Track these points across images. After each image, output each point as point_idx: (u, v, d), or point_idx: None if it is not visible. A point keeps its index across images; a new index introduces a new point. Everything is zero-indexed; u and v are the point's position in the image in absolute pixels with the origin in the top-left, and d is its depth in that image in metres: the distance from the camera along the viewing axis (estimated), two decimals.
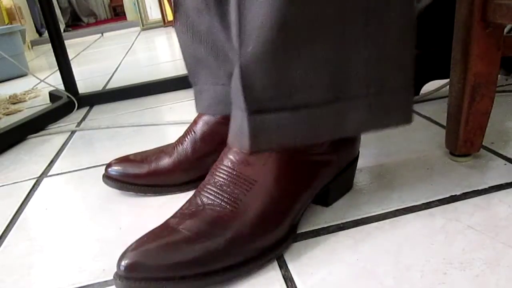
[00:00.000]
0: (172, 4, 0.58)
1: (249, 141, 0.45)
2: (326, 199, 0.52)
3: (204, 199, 0.45)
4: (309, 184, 0.48)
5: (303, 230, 0.49)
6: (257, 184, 0.45)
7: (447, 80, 0.61)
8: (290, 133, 0.45)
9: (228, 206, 0.44)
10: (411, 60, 0.47)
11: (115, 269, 0.41)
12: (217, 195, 0.45)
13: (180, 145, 0.62)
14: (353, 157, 0.54)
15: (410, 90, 0.48)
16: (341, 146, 0.51)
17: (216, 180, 0.46)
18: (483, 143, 0.59)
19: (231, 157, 0.47)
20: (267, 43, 0.41)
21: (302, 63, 0.42)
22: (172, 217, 0.45)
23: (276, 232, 0.45)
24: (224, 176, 0.46)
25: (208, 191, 0.46)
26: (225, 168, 0.47)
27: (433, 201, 0.51)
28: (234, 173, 0.46)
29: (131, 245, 0.42)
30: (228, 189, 0.45)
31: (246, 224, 0.43)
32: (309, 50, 0.42)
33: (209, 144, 0.60)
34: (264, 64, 0.42)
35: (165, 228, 0.44)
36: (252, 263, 0.43)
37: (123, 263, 0.40)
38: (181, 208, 0.46)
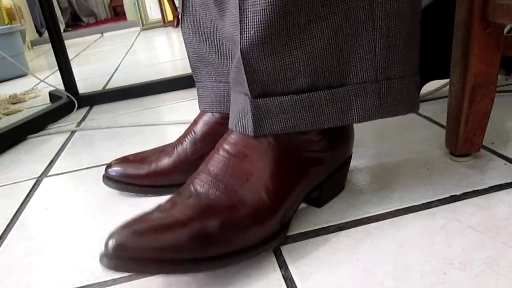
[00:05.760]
0: (179, 0, 0.58)
1: (252, 125, 0.45)
2: (318, 200, 0.52)
3: (197, 187, 0.45)
4: (303, 181, 0.48)
5: (303, 230, 0.49)
6: (253, 177, 0.45)
7: (447, 80, 0.61)
8: (294, 118, 0.45)
9: (223, 196, 0.43)
10: (418, 47, 0.47)
11: None
12: (211, 184, 0.45)
13: (179, 145, 0.62)
14: (347, 157, 0.54)
15: (417, 77, 0.48)
16: (336, 144, 0.51)
17: (211, 170, 0.46)
18: (483, 143, 0.59)
19: (227, 147, 0.47)
20: (270, 26, 0.41)
21: (305, 46, 0.42)
22: (164, 202, 0.45)
23: (268, 225, 0.44)
24: (220, 166, 0.46)
25: (203, 179, 0.45)
26: (220, 158, 0.46)
27: (433, 201, 0.51)
28: (231, 163, 0.46)
29: (119, 226, 0.40)
30: (224, 179, 0.45)
31: (239, 214, 0.43)
32: (312, 32, 0.42)
33: (209, 145, 0.60)
34: (267, 48, 0.42)
35: (156, 211, 0.43)
36: (242, 255, 0.43)
37: (111, 242, 0.39)
38: (173, 195, 0.46)
